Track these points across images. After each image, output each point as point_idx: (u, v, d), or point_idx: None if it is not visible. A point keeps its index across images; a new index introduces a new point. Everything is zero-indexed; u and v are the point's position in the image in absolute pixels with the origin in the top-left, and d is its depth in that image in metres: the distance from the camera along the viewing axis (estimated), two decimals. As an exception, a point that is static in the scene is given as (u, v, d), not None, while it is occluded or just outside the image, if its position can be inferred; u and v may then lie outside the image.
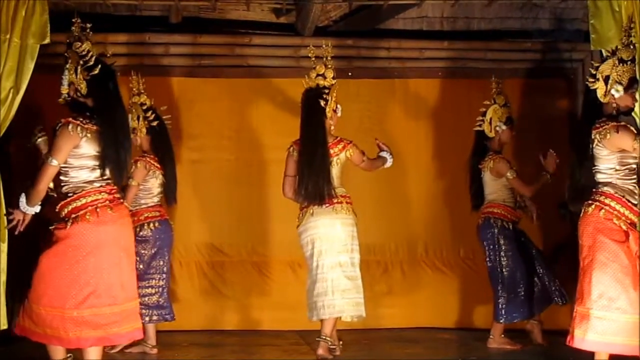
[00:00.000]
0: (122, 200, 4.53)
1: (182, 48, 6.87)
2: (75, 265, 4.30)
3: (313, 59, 5.62)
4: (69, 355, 4.54)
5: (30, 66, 4.96)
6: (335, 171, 5.57)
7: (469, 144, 7.01)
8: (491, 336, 5.99)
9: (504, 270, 5.94)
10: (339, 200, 5.51)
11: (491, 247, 5.99)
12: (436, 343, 6.31)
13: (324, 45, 5.66)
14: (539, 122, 6.79)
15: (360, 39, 6.96)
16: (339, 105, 5.62)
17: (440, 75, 7.14)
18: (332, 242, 5.48)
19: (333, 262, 5.48)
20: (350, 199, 5.63)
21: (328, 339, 5.45)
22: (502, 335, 5.96)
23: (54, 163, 4.30)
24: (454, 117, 7.09)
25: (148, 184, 5.75)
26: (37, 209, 4.44)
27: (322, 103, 5.52)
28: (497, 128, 6.05)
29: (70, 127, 4.30)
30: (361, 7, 6.98)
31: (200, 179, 6.93)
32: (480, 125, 6.11)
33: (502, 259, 5.95)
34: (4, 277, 4.93)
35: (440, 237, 7.09)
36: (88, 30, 4.58)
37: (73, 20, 4.60)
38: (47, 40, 5.16)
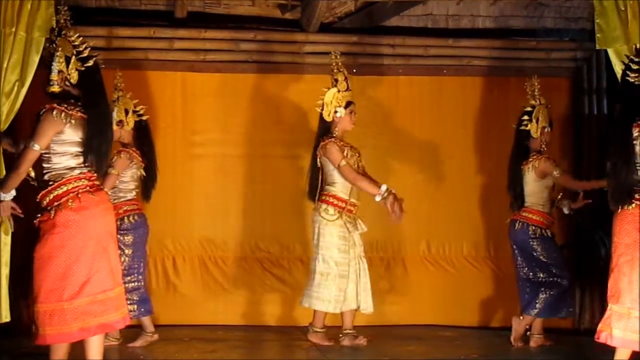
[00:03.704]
0: (101, 187, 4.53)
1: (187, 43, 6.86)
2: (67, 254, 4.27)
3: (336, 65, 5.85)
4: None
5: (35, 59, 4.93)
6: (324, 171, 5.85)
7: (472, 141, 7.05)
8: (534, 334, 5.95)
9: (552, 269, 5.87)
10: (319, 199, 5.84)
11: (520, 251, 5.97)
12: (438, 340, 6.29)
13: (332, 54, 5.86)
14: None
15: (365, 36, 6.95)
16: (337, 110, 5.79)
17: (444, 73, 7.11)
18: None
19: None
20: (332, 198, 5.78)
21: (316, 328, 5.84)
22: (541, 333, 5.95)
23: (36, 147, 4.29)
24: (458, 114, 7.09)
25: (127, 177, 5.71)
26: (13, 194, 4.50)
27: (318, 109, 5.86)
28: (545, 129, 5.96)
29: (54, 112, 4.31)
30: (366, 4, 6.97)
31: (204, 174, 6.93)
32: (526, 125, 5.96)
33: (548, 264, 5.89)
34: (6, 271, 4.92)
35: (443, 234, 7.07)
36: (70, 19, 4.60)
37: (59, 7, 4.60)
38: (52, 34, 5.15)
